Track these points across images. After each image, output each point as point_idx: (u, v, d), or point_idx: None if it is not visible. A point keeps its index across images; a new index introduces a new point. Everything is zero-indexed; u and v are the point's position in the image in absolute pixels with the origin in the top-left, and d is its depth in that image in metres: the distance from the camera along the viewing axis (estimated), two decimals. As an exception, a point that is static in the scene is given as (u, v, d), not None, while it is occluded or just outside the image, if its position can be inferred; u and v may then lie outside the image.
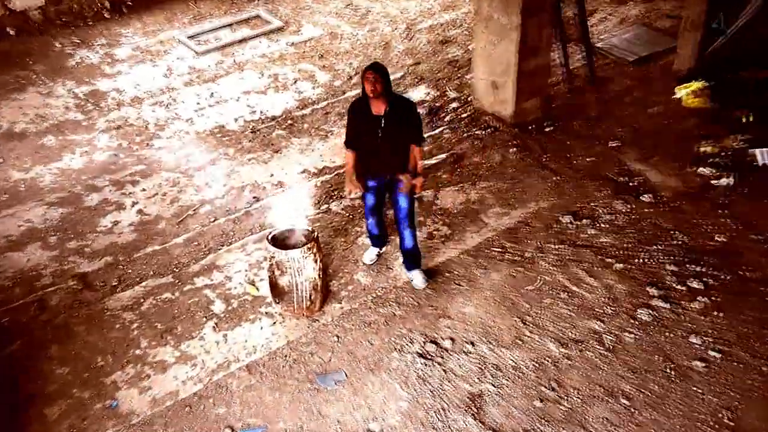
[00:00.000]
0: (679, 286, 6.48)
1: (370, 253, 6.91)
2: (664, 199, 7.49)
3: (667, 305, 6.29)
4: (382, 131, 5.91)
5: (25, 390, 5.82)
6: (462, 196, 7.71)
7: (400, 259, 6.84)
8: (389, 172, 6.16)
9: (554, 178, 7.86)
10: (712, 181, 7.68)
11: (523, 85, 8.48)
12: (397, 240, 6.86)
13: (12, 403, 5.72)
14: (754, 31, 8.90)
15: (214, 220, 7.57)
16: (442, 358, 5.93)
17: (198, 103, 9.66)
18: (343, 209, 7.60)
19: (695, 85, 8.95)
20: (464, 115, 9.05)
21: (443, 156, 8.32)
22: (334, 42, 11.05)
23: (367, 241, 6.99)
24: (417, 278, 6.66)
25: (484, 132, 8.68)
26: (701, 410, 5.44)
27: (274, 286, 6.29)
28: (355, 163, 6.21)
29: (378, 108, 5.89)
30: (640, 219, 7.26)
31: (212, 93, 9.89)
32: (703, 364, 5.78)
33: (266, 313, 6.44)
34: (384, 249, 6.98)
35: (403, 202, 6.27)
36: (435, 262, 6.88)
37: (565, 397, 5.57)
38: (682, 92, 9.00)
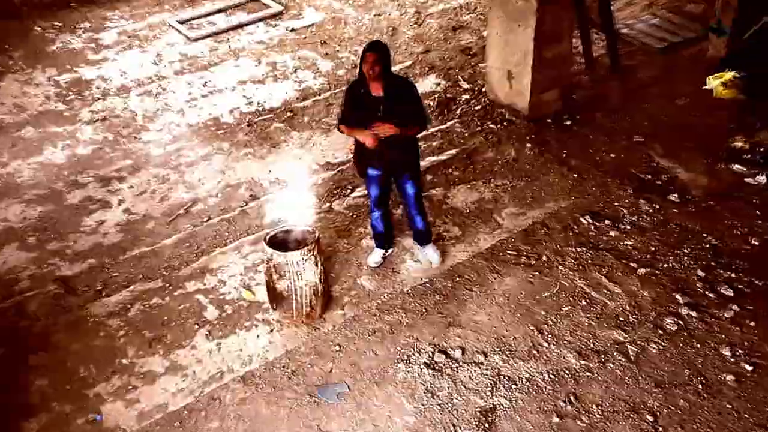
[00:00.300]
0: (709, 293, 6.48)
1: (375, 256, 6.94)
2: (693, 199, 7.49)
3: (696, 314, 6.29)
4: (383, 113, 6.02)
5: (1, 402, 5.84)
6: (474, 194, 7.72)
7: (408, 262, 6.90)
8: (391, 158, 6.26)
9: (574, 176, 7.87)
10: (746, 179, 7.67)
11: (541, 75, 8.48)
12: (403, 242, 6.98)
13: (-12, 416, 5.76)
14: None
15: (207, 220, 7.60)
16: (452, 369, 5.94)
17: (190, 93, 9.70)
18: (346, 208, 7.62)
19: (727, 75, 8.94)
20: (477, 108, 9.07)
21: (454, 152, 8.34)
22: (338, 27, 11.08)
23: (372, 242, 7.01)
24: (432, 254, 6.91)
25: (498, 126, 8.69)
26: (734, 428, 5.43)
27: (271, 291, 6.31)
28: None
29: (377, 89, 6.03)
30: (667, 220, 7.26)
31: (205, 82, 9.92)
32: (736, 378, 5.77)
33: (263, 320, 6.46)
34: (390, 251, 7.00)
35: (410, 189, 6.50)
36: (445, 265, 6.89)
37: (585, 413, 5.58)
38: (714, 83, 8.99)
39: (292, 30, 11.06)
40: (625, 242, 7.03)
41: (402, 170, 6.38)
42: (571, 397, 5.67)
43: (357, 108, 6.15)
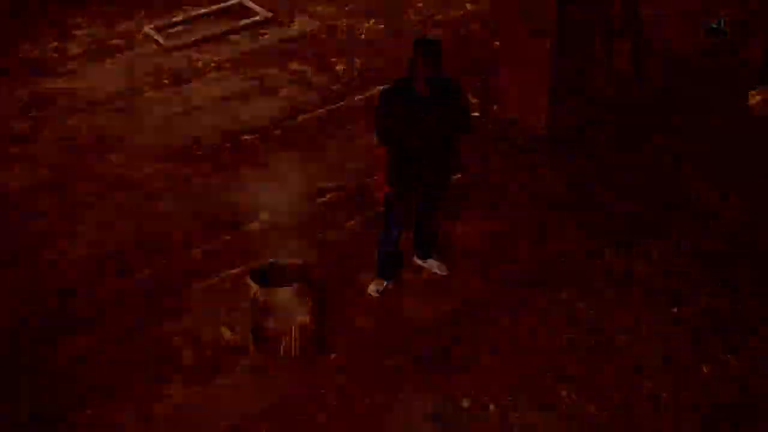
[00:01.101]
0: (753, 336, 6.47)
1: (378, 284, 6.97)
2: (733, 230, 7.50)
3: (737, 361, 6.28)
4: (433, 116, 6.11)
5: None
6: (485, 224, 7.74)
7: (411, 300, 6.90)
8: (434, 175, 6.45)
9: (597, 202, 7.89)
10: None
11: (559, 90, 8.53)
12: (407, 277, 6.97)
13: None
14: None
15: (184, 251, 7.59)
16: (460, 420, 5.93)
17: (166, 110, 9.72)
18: (341, 239, 7.63)
19: (774, 88, 8.99)
20: (488, 127, 9.08)
21: (458, 176, 8.33)
22: (333, 37, 11.14)
23: (371, 276, 7.01)
24: (435, 265, 7.16)
25: (510, 147, 8.72)
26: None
27: (256, 332, 6.31)
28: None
29: (424, 89, 6.08)
30: (705, 254, 7.27)
31: (184, 97, 9.95)
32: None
33: (247, 365, 6.44)
34: (391, 282, 7.00)
35: (437, 196, 6.77)
36: (453, 304, 6.89)
37: (611, 472, 5.58)
38: (757, 98, 9.02)
39: (282, 40, 11.12)
40: (657, 278, 7.04)
41: (440, 183, 6.61)
42: (595, 453, 5.67)
43: (398, 113, 6.18)
